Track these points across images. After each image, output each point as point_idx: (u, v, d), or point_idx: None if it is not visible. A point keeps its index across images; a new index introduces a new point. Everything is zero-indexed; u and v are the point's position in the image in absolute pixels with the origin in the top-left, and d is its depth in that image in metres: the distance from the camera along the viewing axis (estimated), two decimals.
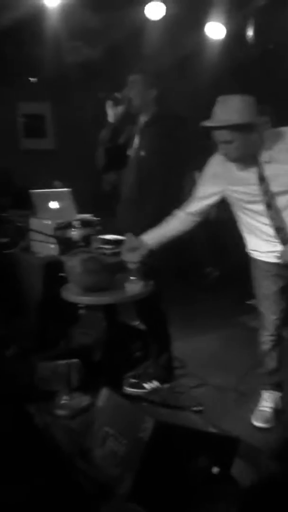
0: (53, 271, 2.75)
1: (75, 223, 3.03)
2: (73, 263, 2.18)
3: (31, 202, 3.23)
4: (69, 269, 2.22)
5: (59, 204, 3.19)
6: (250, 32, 4.27)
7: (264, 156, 2.20)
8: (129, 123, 2.81)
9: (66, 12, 3.86)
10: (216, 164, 2.36)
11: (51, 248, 3.08)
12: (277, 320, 2.62)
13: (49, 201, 3.20)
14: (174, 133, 2.60)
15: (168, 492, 1.81)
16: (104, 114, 2.75)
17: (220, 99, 2.17)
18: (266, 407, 2.61)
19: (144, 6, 3.99)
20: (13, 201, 4.79)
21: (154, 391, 2.77)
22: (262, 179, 2.21)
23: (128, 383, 2.81)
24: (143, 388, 2.79)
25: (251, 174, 2.23)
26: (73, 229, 3.02)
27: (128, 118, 2.77)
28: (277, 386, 2.67)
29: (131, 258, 2.35)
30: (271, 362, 2.63)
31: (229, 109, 2.12)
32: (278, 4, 3.92)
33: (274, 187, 2.21)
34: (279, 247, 2.33)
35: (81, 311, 2.93)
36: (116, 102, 2.65)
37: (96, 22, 4.07)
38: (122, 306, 3.09)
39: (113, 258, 2.35)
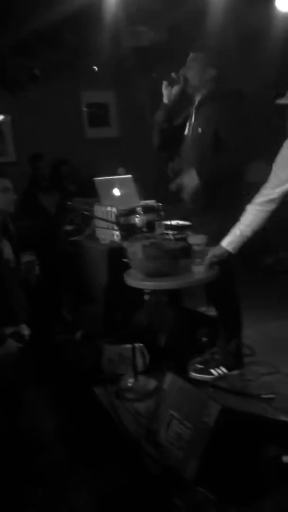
0: (117, 257, 2.75)
1: (138, 209, 3.02)
2: (135, 249, 2.16)
3: (96, 190, 3.27)
4: (131, 255, 2.21)
5: (122, 191, 3.19)
6: None
7: None
8: (186, 104, 2.74)
9: None
10: None
11: (115, 235, 3.10)
12: None
13: (112, 188, 3.22)
14: (233, 110, 2.49)
15: (235, 480, 1.76)
16: (161, 95, 2.70)
17: None
18: None
19: None
20: (79, 189, 4.91)
21: (221, 377, 2.71)
22: None
23: (194, 368, 2.77)
24: (210, 374, 2.73)
25: None
26: (136, 215, 3.02)
27: (185, 99, 2.69)
28: None
29: (196, 241, 2.30)
30: None
31: None
32: None
33: None
34: None
35: (146, 296, 2.91)
36: (171, 82, 2.57)
37: (155, 4, 3.99)
38: (190, 292, 3.05)
39: (175, 243, 2.29)
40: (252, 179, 3.09)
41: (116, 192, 3.22)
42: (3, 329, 2.53)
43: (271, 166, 2.49)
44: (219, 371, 2.73)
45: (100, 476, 2.00)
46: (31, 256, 3.06)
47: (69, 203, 3.54)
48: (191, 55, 2.62)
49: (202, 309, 3.30)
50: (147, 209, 3.10)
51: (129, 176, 3.22)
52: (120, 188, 3.21)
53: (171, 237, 3.11)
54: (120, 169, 5.01)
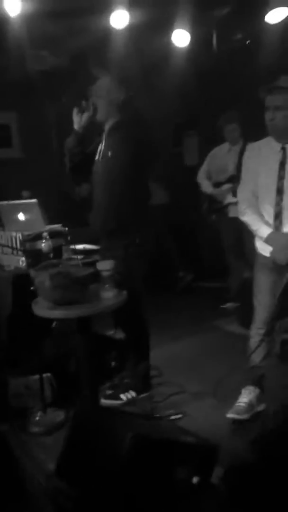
0: (23, 284, 2.68)
1: (44, 234, 2.97)
2: (42, 279, 2.12)
3: None
4: (38, 284, 2.16)
5: (27, 216, 3.12)
6: (214, 40, 4.31)
7: None
8: (96, 131, 2.79)
9: (29, 20, 3.80)
10: (251, 151, 2.63)
11: (20, 261, 3.01)
12: (267, 315, 2.64)
13: (17, 212, 3.14)
14: (138, 137, 2.59)
15: (151, 506, 1.77)
16: (70, 121, 2.73)
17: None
18: (242, 402, 2.58)
19: (109, 14, 3.96)
20: None
21: (131, 401, 2.72)
22: (283, 163, 2.40)
23: (104, 394, 2.76)
24: (120, 399, 2.74)
25: (275, 156, 2.45)
26: (42, 241, 2.96)
27: (94, 126, 2.74)
28: (256, 382, 2.65)
29: (104, 267, 2.32)
30: (255, 358, 2.65)
31: None
32: (239, 12, 3.97)
33: None
34: None
35: (54, 323, 2.86)
36: (81, 110, 2.62)
37: (59, 30, 4.03)
38: (98, 316, 3.05)
39: (83, 269, 2.29)
40: (154, 201, 3.24)
41: (21, 217, 3.14)
42: None
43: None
44: (129, 396, 2.75)
45: None
46: None
47: None
48: (98, 82, 2.68)
49: (110, 332, 3.32)
50: (53, 234, 3.06)
51: (34, 200, 3.16)
52: (24, 213, 3.14)
53: (79, 262, 3.11)
54: (25, 192, 4.91)
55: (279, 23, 3.75)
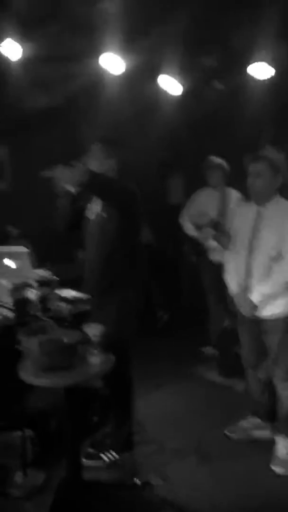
0: (8, 336, 2.64)
1: (33, 284, 2.95)
2: (30, 344, 2.11)
3: None
4: (25, 349, 2.15)
5: (17, 264, 3.08)
6: (205, 89, 4.43)
7: (267, 206, 2.69)
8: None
9: (26, 63, 3.84)
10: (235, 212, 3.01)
11: (7, 312, 2.97)
12: (255, 372, 2.89)
13: (4, 259, 3.10)
14: (127, 206, 2.62)
15: None
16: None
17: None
18: (239, 423, 3.02)
19: (101, 59, 4.02)
20: None
21: (112, 462, 2.70)
22: (255, 226, 2.67)
23: (85, 453, 2.72)
24: (101, 459, 2.71)
25: (250, 215, 2.72)
26: (31, 290, 2.93)
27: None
28: (256, 413, 3.02)
29: (93, 332, 2.31)
30: (253, 393, 2.99)
31: (273, 153, 2.70)
32: (229, 63, 4.09)
33: (263, 235, 2.64)
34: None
35: None
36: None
37: (53, 73, 4.07)
38: None
39: (72, 335, 2.27)
40: None
41: (10, 264, 3.10)
42: None
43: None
44: (110, 456, 2.72)
45: None
46: None
47: None
48: (92, 146, 2.70)
49: (97, 384, 3.26)
50: (42, 283, 3.04)
51: (26, 250, 3.13)
52: (14, 260, 3.10)
53: (66, 312, 3.08)
54: (11, 228, 4.87)
55: (263, 79, 3.89)
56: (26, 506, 2.34)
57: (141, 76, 4.28)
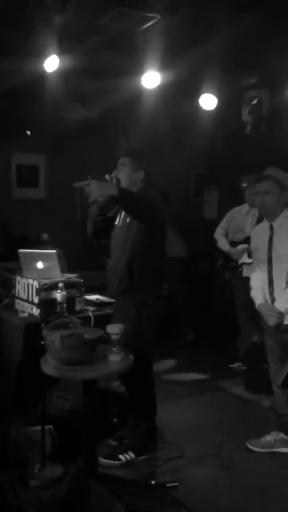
0: (34, 333, 2.75)
1: (60, 285, 3.06)
2: (53, 338, 2.19)
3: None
4: (48, 344, 2.23)
5: (45, 264, 3.22)
6: (243, 106, 4.50)
7: (277, 221, 2.84)
8: None
9: (66, 76, 4.04)
10: (253, 233, 3.13)
11: (34, 309, 3.10)
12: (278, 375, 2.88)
13: (35, 261, 3.24)
14: (153, 221, 2.70)
15: None
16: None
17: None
18: (263, 438, 3.00)
19: (141, 75, 4.18)
20: (7, 249, 4.85)
21: (129, 463, 2.72)
22: (270, 239, 2.83)
23: (103, 453, 2.76)
24: (118, 459, 2.74)
25: (266, 232, 2.89)
26: (57, 291, 3.05)
27: None
28: (280, 428, 3.00)
29: (113, 330, 2.38)
30: (278, 407, 3.02)
31: (277, 172, 2.87)
32: (266, 82, 4.15)
33: (277, 248, 2.80)
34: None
35: None
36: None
37: (93, 86, 4.26)
38: None
39: (93, 331, 2.35)
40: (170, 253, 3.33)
41: (40, 265, 3.24)
42: None
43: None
44: (127, 457, 2.75)
45: None
46: None
47: None
48: (121, 159, 2.84)
49: (115, 384, 3.33)
50: (68, 285, 3.15)
51: (54, 251, 3.27)
52: (43, 262, 3.24)
53: (91, 314, 3.18)
54: (44, 235, 5.07)
55: None
56: (43, 496, 2.39)
57: (179, 92, 4.40)
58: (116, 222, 2.90)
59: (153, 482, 2.50)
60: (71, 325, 2.38)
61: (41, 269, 3.23)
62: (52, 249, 3.41)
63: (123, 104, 4.59)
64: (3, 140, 4.97)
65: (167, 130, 4.75)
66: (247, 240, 4.34)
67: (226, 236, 4.58)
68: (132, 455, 2.76)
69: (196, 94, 4.43)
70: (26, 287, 3.22)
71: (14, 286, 3.36)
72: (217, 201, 5.96)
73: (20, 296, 3.29)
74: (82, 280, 3.26)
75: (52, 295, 3.07)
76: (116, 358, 2.34)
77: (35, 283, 3.11)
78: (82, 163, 5.35)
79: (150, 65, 4.13)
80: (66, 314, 2.93)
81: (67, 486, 2.05)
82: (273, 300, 2.83)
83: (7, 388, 3.02)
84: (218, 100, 4.37)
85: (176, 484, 2.54)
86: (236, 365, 4.43)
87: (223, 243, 4.56)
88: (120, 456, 2.74)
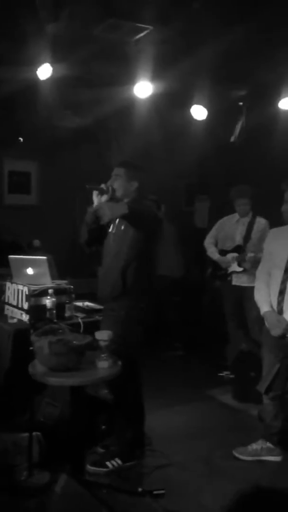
0: (23, 339, 2.75)
1: (50, 291, 3.07)
2: (41, 344, 2.20)
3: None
4: (37, 349, 2.24)
5: (35, 271, 3.23)
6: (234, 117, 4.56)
7: None
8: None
9: (59, 84, 4.08)
10: (271, 236, 3.08)
11: (23, 315, 3.10)
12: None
13: (26, 267, 3.25)
14: (153, 232, 2.82)
15: None
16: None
17: None
18: (249, 446, 2.99)
19: (133, 85, 4.23)
20: None
21: (116, 470, 2.72)
22: None
23: (91, 460, 2.75)
24: (105, 466, 2.73)
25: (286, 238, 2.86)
26: (47, 297, 3.06)
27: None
28: (268, 438, 2.99)
29: (102, 337, 2.39)
30: (266, 418, 3.02)
31: None
32: (256, 94, 4.22)
33: None
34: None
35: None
36: (101, 192, 2.80)
37: (85, 95, 4.30)
38: None
39: (82, 338, 2.36)
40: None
41: (30, 271, 3.25)
42: None
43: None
44: (114, 464, 2.74)
45: None
46: None
47: None
48: (116, 169, 2.91)
49: (104, 391, 3.33)
50: (58, 291, 3.17)
51: (44, 258, 3.28)
52: (33, 268, 3.25)
53: (80, 320, 3.19)
54: (35, 241, 5.08)
55: None
56: (29, 503, 2.38)
57: (171, 102, 4.46)
58: (110, 229, 2.94)
59: (140, 489, 2.49)
60: (60, 331, 2.38)
61: (31, 275, 3.24)
62: (42, 256, 3.42)
63: (115, 113, 4.64)
64: None
65: (159, 140, 4.80)
66: (236, 249, 4.39)
67: (216, 245, 4.62)
68: (119, 461, 2.75)
69: (187, 105, 4.49)
70: (16, 293, 3.22)
71: (4, 292, 3.37)
72: (207, 210, 6.01)
73: (10, 302, 3.30)
74: (72, 286, 3.28)
75: (41, 301, 3.08)
76: (104, 365, 2.35)
77: (25, 289, 3.12)
78: (74, 171, 5.40)
79: (142, 75, 4.18)
80: (55, 320, 2.94)
81: (54, 493, 2.04)
82: (280, 310, 2.80)
83: None
84: (209, 111, 4.43)
85: (163, 491, 2.54)
86: (224, 373, 4.45)
87: (212, 252, 4.60)
88: (107, 463, 2.73)
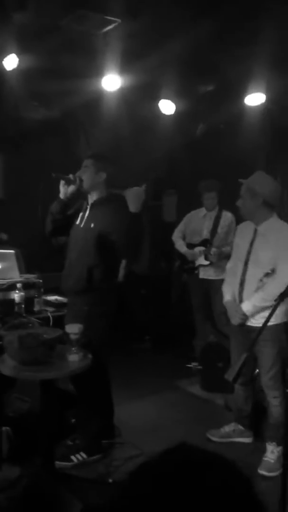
0: None
1: (18, 285, 3.04)
2: (11, 338, 2.18)
3: None
4: (6, 344, 2.22)
5: (3, 265, 3.19)
6: (199, 112, 4.60)
7: (263, 225, 2.87)
8: (79, 198, 2.96)
9: (25, 75, 4.01)
10: (238, 230, 3.16)
11: None
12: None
13: None
14: (119, 211, 2.74)
15: None
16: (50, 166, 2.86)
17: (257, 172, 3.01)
18: (222, 428, 3.15)
19: (101, 77, 4.20)
20: None
21: (82, 464, 2.72)
22: (252, 242, 2.89)
23: (58, 454, 2.74)
24: (70, 460, 2.73)
25: (250, 234, 2.94)
26: (15, 291, 3.03)
27: (78, 194, 2.90)
28: (238, 420, 3.15)
29: (72, 330, 2.39)
30: (238, 401, 3.13)
31: (261, 175, 2.97)
32: (223, 90, 4.28)
33: (259, 251, 2.85)
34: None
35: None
36: (68, 182, 2.78)
37: (53, 86, 4.24)
38: None
39: (52, 331, 2.35)
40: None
41: None
42: None
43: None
44: (79, 457, 2.74)
45: None
46: None
47: None
48: (85, 161, 2.89)
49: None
50: (27, 285, 3.13)
51: (12, 251, 3.24)
52: (1, 262, 3.20)
53: (49, 314, 3.17)
54: (2, 235, 4.99)
55: (257, 106, 4.06)
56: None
57: (139, 96, 4.46)
58: (77, 222, 2.91)
59: (110, 480, 2.51)
60: (30, 325, 2.37)
61: None
62: (10, 249, 3.37)
63: (83, 106, 4.60)
64: None
65: (128, 133, 4.79)
66: (203, 242, 4.46)
67: (184, 238, 4.67)
68: (84, 455, 2.76)
69: (156, 99, 4.50)
70: None
71: None
72: (175, 204, 6.06)
73: None
74: (41, 280, 3.25)
75: (10, 296, 3.04)
76: (75, 358, 2.35)
77: None
78: (41, 163, 5.31)
79: (110, 68, 4.15)
80: (24, 314, 2.91)
81: (24, 488, 2.03)
82: (240, 300, 2.92)
83: None
84: (176, 105, 4.46)
85: None
86: (192, 365, 4.52)
87: (180, 245, 4.65)
88: (72, 457, 2.74)
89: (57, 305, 3.34)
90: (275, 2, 3.21)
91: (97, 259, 2.75)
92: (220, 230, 4.39)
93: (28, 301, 3.09)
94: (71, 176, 2.78)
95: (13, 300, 3.02)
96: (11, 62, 3.79)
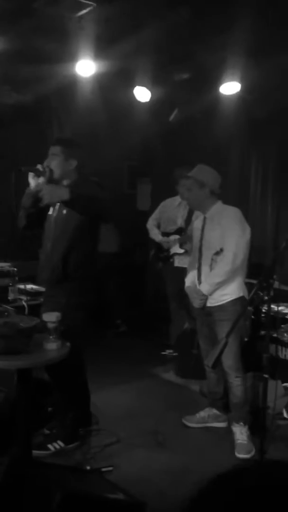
0: None
1: None
2: None
3: None
4: None
5: None
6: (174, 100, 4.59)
7: (209, 212, 3.04)
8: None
9: None
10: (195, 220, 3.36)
11: None
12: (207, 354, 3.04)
13: None
14: (98, 216, 2.70)
15: None
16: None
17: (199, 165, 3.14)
18: (197, 414, 3.21)
19: (75, 62, 4.12)
20: None
21: (60, 452, 2.73)
22: (202, 228, 3.04)
23: (35, 443, 2.73)
24: (47, 449, 2.73)
25: (200, 222, 3.11)
26: None
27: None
28: (212, 404, 3.24)
29: (49, 318, 2.37)
30: (210, 385, 3.23)
31: (203, 169, 3.11)
32: (198, 78, 4.27)
33: (208, 236, 3.00)
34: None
35: None
36: (38, 174, 2.64)
37: (25, 71, 4.14)
38: None
39: (29, 320, 2.33)
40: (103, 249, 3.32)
41: None
42: None
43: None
44: (56, 446, 2.75)
45: None
46: None
47: None
48: (52, 148, 2.74)
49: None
50: (1, 274, 3.09)
51: None
52: None
53: (24, 303, 3.14)
54: None
55: (232, 95, 4.09)
56: None
57: (114, 82, 4.41)
58: (50, 212, 2.85)
59: (88, 467, 2.53)
60: (6, 313, 2.34)
61: None
62: None
63: (57, 91, 4.51)
64: None
65: (102, 120, 4.74)
66: (178, 231, 4.48)
67: (159, 227, 4.68)
68: (61, 444, 2.76)
69: (131, 86, 4.46)
70: None
71: None
72: (150, 193, 6.05)
73: None
74: (15, 269, 3.21)
75: None
76: (52, 346, 2.34)
77: None
78: (12, 150, 5.20)
79: (84, 53, 4.08)
80: None
81: (1, 476, 2.02)
82: (198, 283, 3.04)
83: None
84: (152, 93, 4.43)
85: (111, 468, 2.59)
86: (167, 352, 4.57)
87: (155, 234, 4.66)
88: (49, 446, 2.74)
89: (32, 293, 3.31)
90: None
91: (72, 245, 2.70)
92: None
93: (2, 290, 3.06)
94: (39, 167, 2.62)
95: None
96: None
